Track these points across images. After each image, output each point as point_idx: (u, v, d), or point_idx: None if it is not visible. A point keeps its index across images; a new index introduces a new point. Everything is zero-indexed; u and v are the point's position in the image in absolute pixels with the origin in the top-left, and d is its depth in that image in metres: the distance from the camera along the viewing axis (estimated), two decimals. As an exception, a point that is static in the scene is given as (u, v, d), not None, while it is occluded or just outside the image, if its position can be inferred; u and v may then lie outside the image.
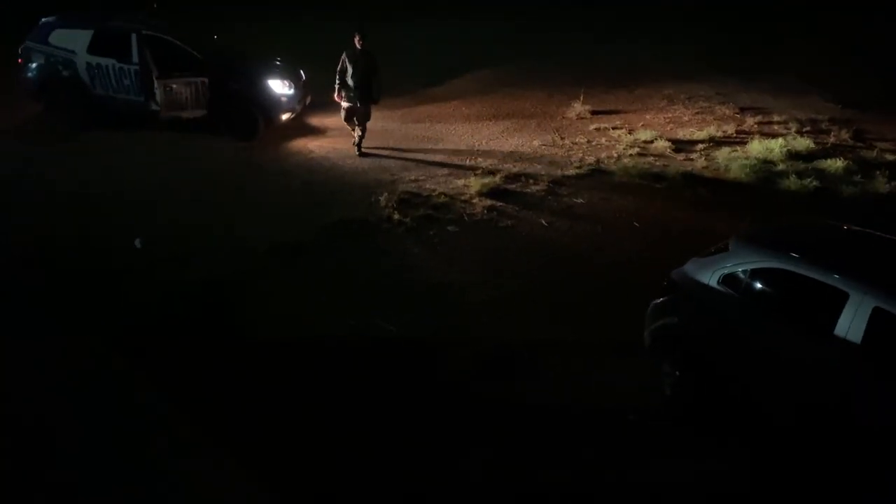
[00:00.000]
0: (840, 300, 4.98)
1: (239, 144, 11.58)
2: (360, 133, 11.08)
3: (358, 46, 10.57)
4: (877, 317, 4.79)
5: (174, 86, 11.62)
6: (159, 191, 9.96)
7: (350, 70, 10.54)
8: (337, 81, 10.77)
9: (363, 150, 11.21)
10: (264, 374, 6.50)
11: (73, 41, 11.87)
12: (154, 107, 11.76)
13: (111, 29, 11.90)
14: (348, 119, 11.00)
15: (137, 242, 8.43)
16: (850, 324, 4.90)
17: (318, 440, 5.72)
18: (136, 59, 11.62)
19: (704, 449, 5.66)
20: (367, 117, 11.03)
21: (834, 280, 5.08)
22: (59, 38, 11.95)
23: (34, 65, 12.06)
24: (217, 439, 5.70)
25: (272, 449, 5.61)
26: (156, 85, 11.56)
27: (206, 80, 11.65)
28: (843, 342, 4.91)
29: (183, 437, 5.71)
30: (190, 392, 6.23)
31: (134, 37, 11.60)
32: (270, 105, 11.92)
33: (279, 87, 11.99)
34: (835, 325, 4.98)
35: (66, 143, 11.57)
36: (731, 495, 5.28)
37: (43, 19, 12.27)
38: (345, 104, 10.83)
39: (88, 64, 11.83)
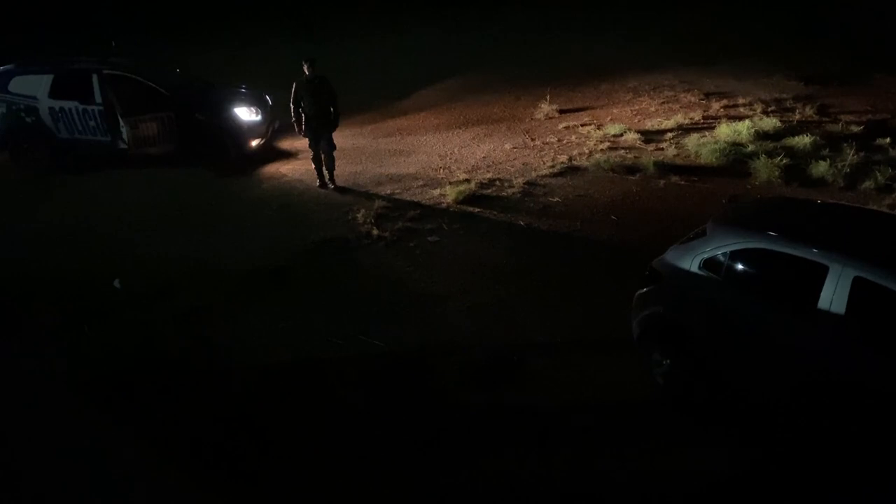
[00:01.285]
0: (821, 273, 5.01)
1: (211, 175, 11.53)
2: (328, 165, 10.59)
3: (307, 73, 10.09)
4: (858, 286, 4.83)
5: (140, 123, 11.57)
6: (134, 226, 9.89)
7: (305, 99, 10.11)
8: (292, 115, 10.33)
9: (336, 182, 10.76)
10: (252, 397, 6.45)
11: (34, 87, 11.79)
12: (122, 145, 11.70)
13: (71, 71, 11.85)
14: (315, 149, 10.47)
15: (116, 283, 8.35)
16: (833, 296, 4.94)
17: (312, 459, 5.69)
18: (99, 99, 11.56)
19: (700, 436, 5.66)
20: (332, 146, 10.50)
21: (813, 254, 5.12)
22: (18, 85, 11.86)
23: (-4, 115, 11.96)
24: (207, 463, 5.69)
25: (262, 468, 5.58)
26: (122, 123, 11.50)
27: (172, 114, 11.62)
28: (828, 315, 4.94)
29: (172, 467, 5.65)
30: (179, 420, 6.18)
31: (95, 77, 11.55)
32: (239, 133, 11.91)
33: (246, 114, 11.98)
34: (818, 298, 5.01)
35: (37, 187, 11.47)
36: (730, 482, 5.27)
37: (1, 68, 12.17)
38: (306, 136, 10.42)
39: (51, 108, 11.75)
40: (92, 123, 11.72)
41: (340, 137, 10.78)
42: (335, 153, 10.65)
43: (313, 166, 10.75)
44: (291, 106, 10.28)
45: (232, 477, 5.59)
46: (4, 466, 5.74)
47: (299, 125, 10.37)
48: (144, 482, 5.54)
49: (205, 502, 5.44)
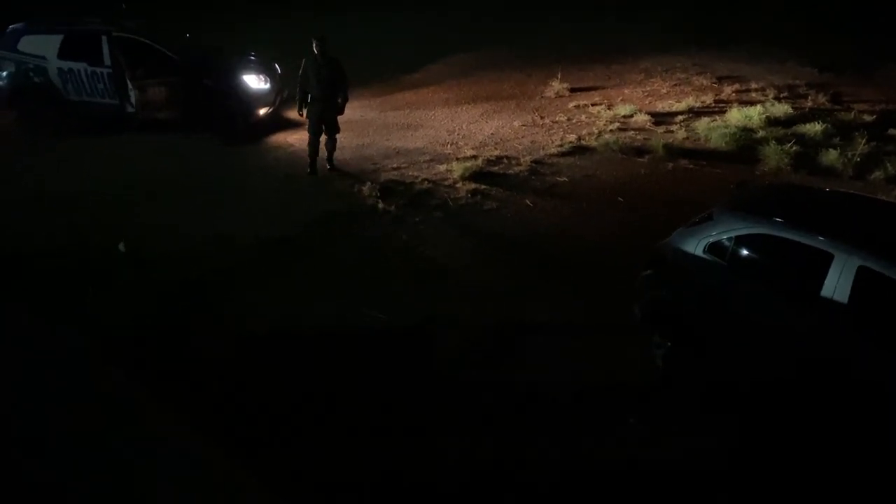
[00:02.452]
0: (825, 262, 5.01)
1: (217, 142, 11.49)
2: (328, 147, 10.19)
3: (316, 52, 9.60)
4: (862, 276, 4.82)
5: (149, 87, 11.52)
6: (141, 191, 9.87)
7: (311, 80, 9.66)
8: (298, 94, 9.88)
9: (335, 164, 10.39)
10: (254, 366, 6.47)
11: (43, 47, 11.73)
12: (130, 109, 11.66)
13: (81, 32, 11.76)
14: (315, 134, 9.97)
15: (121, 246, 8.37)
16: (837, 284, 4.93)
17: (311, 429, 5.71)
18: (108, 61, 11.50)
19: (698, 420, 5.68)
20: (336, 128, 10.12)
21: (818, 242, 5.11)
22: (28, 44, 11.80)
23: (4, 73, 11.92)
24: (207, 431, 5.67)
25: (263, 438, 5.60)
26: (130, 87, 11.45)
27: (180, 79, 11.56)
28: (830, 303, 4.94)
29: (173, 432, 5.68)
30: (180, 387, 6.19)
31: (104, 39, 11.48)
32: (247, 101, 11.85)
33: (255, 82, 11.93)
34: (821, 286, 5.01)
35: (43, 148, 11.45)
36: (726, 465, 5.30)
37: (10, 26, 12.11)
38: (311, 116, 9.90)
39: (60, 69, 11.70)
40: (100, 86, 11.67)
41: (348, 109, 10.68)
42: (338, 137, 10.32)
43: (307, 151, 10.19)
44: (299, 85, 9.86)
45: (226, 445, 5.63)
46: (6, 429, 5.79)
47: (301, 105, 9.98)
48: (141, 443, 5.59)
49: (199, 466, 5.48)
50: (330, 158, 10.38)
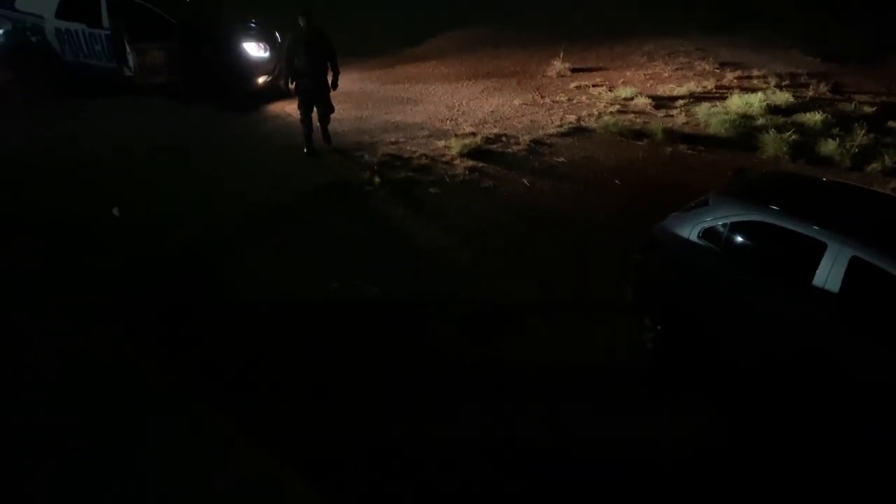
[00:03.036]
0: (818, 250, 5.02)
1: (215, 109, 11.42)
2: (322, 122, 10.01)
3: (302, 26, 9.34)
4: (854, 266, 4.84)
5: (147, 51, 11.42)
6: (136, 158, 9.82)
7: (300, 54, 9.37)
8: (285, 69, 9.69)
9: (331, 137, 10.21)
10: (246, 337, 6.48)
11: (41, 6, 11.62)
12: (127, 72, 11.58)
13: (79, -8, 11.63)
14: (305, 111, 9.70)
15: (115, 211, 8.35)
16: (829, 274, 4.95)
17: (301, 403, 5.72)
18: (106, 23, 11.40)
19: (686, 403, 5.72)
20: (329, 106, 9.93)
21: (812, 231, 5.12)
22: (25, 2, 11.67)
23: (0, 31, 11.79)
24: (199, 403, 5.71)
25: (254, 412, 5.61)
26: (128, 50, 11.35)
27: (180, 44, 11.45)
28: (822, 292, 4.97)
29: (165, 401, 5.71)
30: (171, 356, 6.20)
31: (103, 0, 11.34)
32: (246, 69, 11.78)
33: (254, 50, 11.84)
34: (813, 275, 5.03)
35: (38, 110, 11.36)
36: (713, 450, 5.36)
37: (8, -16, 11.97)
38: (300, 93, 9.66)
39: (57, 29, 11.59)
40: (98, 48, 11.58)
41: (349, 81, 10.61)
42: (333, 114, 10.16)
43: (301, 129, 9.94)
44: (284, 63, 9.56)
45: (221, 414, 5.66)
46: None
47: (287, 83, 9.71)
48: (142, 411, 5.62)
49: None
50: (325, 132, 10.22)
